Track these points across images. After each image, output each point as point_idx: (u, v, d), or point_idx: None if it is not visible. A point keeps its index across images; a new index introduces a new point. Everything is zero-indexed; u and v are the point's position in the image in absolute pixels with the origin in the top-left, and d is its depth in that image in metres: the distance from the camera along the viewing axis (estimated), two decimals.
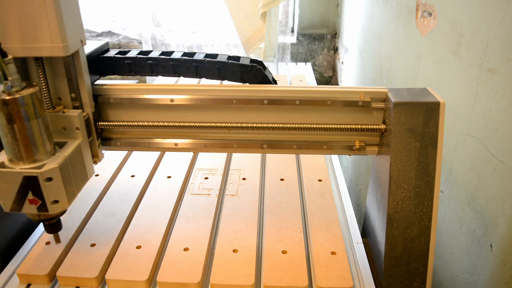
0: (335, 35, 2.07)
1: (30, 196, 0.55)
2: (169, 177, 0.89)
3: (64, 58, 0.59)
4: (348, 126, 0.67)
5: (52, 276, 0.65)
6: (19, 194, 0.54)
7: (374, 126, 0.66)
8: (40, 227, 0.78)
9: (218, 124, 0.68)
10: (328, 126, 0.67)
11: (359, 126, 0.67)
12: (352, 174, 1.74)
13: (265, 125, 0.67)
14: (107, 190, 0.85)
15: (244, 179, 0.89)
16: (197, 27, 2.09)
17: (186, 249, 0.68)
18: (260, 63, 0.69)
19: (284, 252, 0.68)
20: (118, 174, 0.91)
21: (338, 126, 0.67)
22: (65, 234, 0.71)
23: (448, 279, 0.87)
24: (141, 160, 0.96)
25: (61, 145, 0.59)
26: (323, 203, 0.80)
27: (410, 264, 0.63)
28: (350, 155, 0.70)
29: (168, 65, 0.67)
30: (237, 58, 0.68)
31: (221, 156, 0.97)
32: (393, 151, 0.62)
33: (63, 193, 0.56)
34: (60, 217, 0.64)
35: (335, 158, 1.00)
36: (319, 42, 2.08)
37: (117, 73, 0.68)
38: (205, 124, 0.68)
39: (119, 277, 0.63)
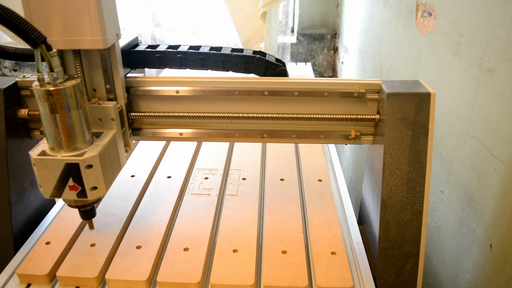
0: (335, 35, 2.07)
1: (70, 182, 0.57)
2: (169, 177, 0.89)
3: (101, 51, 0.62)
4: (344, 116, 0.70)
5: (52, 276, 0.65)
6: (60, 180, 0.57)
7: (369, 116, 0.69)
8: (42, 225, 0.78)
9: (221, 114, 0.71)
10: (325, 116, 0.70)
11: (354, 116, 0.69)
12: (352, 174, 1.74)
13: (265, 115, 0.70)
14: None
15: (244, 179, 0.89)
16: (197, 27, 2.09)
17: (186, 249, 0.68)
18: (284, 63, 0.72)
19: (284, 252, 0.68)
20: (118, 174, 0.91)
21: (335, 116, 0.70)
22: (65, 234, 0.72)
23: (448, 279, 0.87)
24: (141, 159, 0.96)
25: (97, 135, 0.62)
26: (323, 203, 0.80)
27: (403, 246, 0.65)
28: (346, 144, 0.72)
29: (196, 58, 0.70)
30: (263, 54, 0.72)
31: (221, 156, 0.97)
32: (386, 140, 0.65)
33: (101, 179, 0.58)
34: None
35: (335, 158, 1.00)
36: (319, 42, 2.08)
37: (147, 66, 0.71)
38: (209, 114, 0.70)
39: (119, 277, 0.63)
